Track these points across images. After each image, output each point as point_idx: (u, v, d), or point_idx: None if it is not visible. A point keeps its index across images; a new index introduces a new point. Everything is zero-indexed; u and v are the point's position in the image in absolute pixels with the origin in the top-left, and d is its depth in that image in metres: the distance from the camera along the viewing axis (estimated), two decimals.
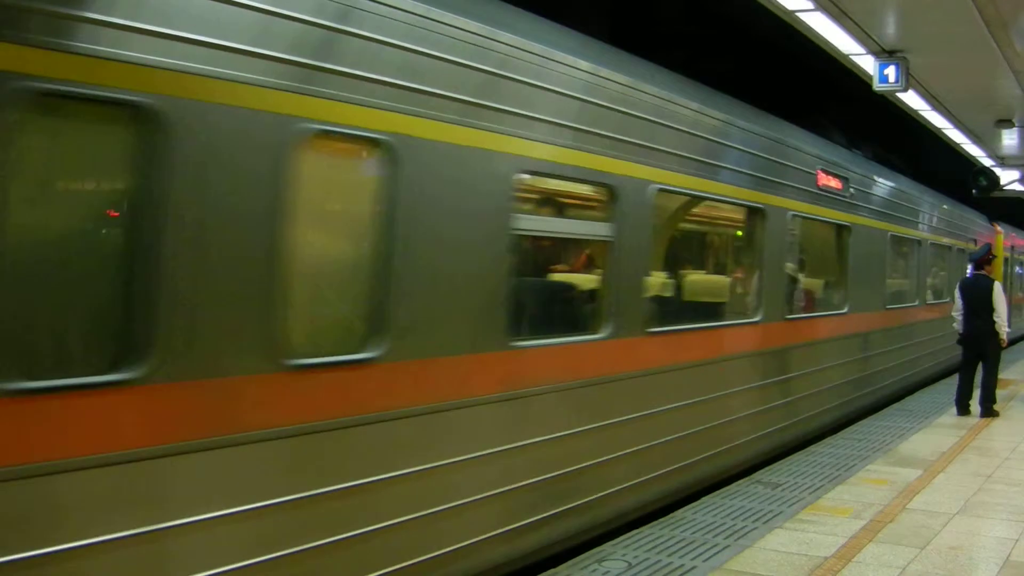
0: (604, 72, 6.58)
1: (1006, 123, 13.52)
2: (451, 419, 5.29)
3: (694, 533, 6.59)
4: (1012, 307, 15.63)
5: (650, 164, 7.05)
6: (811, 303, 11.26)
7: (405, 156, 4.86)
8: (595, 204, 6.92)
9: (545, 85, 5.94)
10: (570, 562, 5.99)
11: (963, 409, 12.05)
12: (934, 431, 11.00)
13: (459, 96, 5.25)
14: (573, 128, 6.22)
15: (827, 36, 9.53)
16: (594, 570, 5.81)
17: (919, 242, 15.64)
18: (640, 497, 7.17)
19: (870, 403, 13.02)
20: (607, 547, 6.26)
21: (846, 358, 11.83)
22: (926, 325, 16.17)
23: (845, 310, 11.80)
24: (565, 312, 7.02)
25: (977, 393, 12.06)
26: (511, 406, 5.77)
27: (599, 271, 6.94)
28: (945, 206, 17.78)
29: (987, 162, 17.60)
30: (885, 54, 9.86)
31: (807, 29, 9.24)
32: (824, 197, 10.72)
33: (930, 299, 16.53)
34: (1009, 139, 15.36)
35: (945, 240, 17.62)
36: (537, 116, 5.86)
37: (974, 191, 16.01)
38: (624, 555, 6.08)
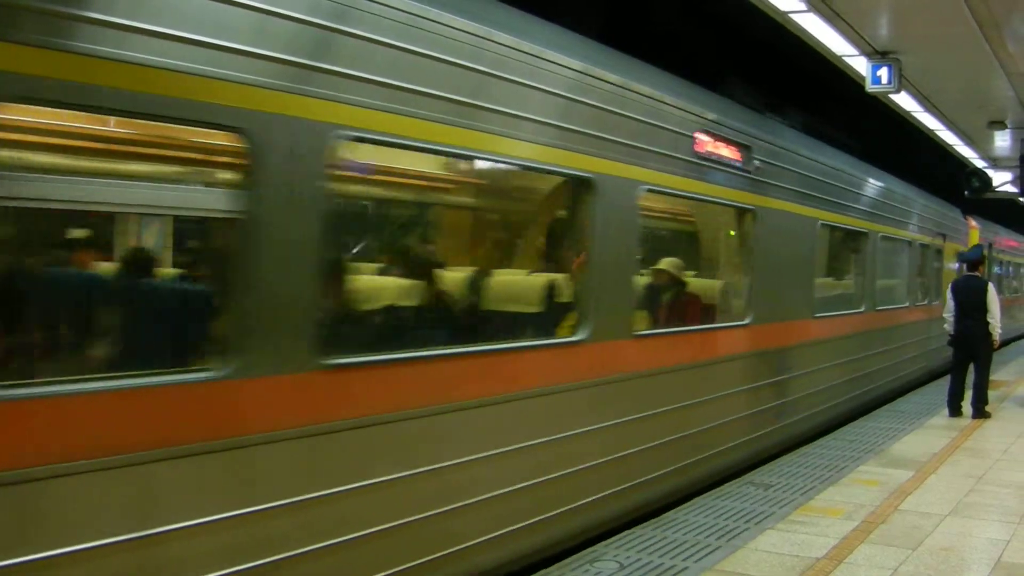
0: None
1: (998, 124, 13.55)
2: None
3: (686, 534, 6.59)
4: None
5: (336, 99, 4.55)
6: (697, 313, 8.62)
7: None
8: (210, 158, 4.62)
9: None
10: (562, 563, 5.99)
11: (955, 410, 12.08)
12: (926, 432, 11.02)
13: None
14: (129, 29, 3.68)
15: (820, 37, 9.54)
16: (586, 571, 5.81)
17: (866, 234, 12.87)
18: None
19: (789, 438, 10.25)
20: (599, 548, 6.26)
21: (743, 385, 8.99)
22: (879, 335, 13.55)
23: (747, 320, 9.05)
24: (118, 333, 4.35)
25: (969, 394, 12.09)
26: None
27: (212, 264, 4.66)
28: (905, 194, 15.23)
29: (979, 163, 17.64)
30: (878, 55, 9.87)
31: (800, 30, 9.25)
32: (708, 169, 8.12)
33: (884, 304, 13.80)
34: (1001, 140, 15.39)
35: (905, 234, 15.00)
36: None
37: (966, 192, 16.08)
38: (616, 556, 6.07)
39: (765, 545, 6.35)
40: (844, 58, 10.22)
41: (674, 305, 8.36)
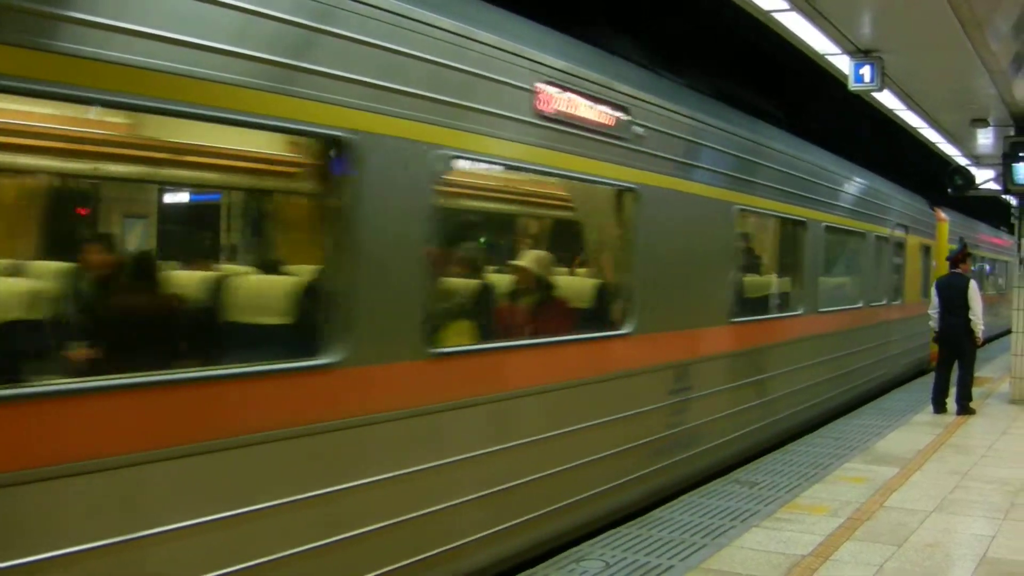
0: None
1: (981, 122, 13.60)
2: None
3: (671, 532, 6.59)
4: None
5: None
6: (561, 321, 6.92)
7: None
8: None
9: None
10: (548, 562, 5.98)
11: (939, 407, 12.15)
12: (911, 429, 11.06)
13: None
14: None
15: (802, 36, 9.55)
16: (572, 570, 5.80)
17: (803, 224, 11.03)
18: None
19: (684, 479, 8.16)
20: (584, 547, 6.26)
21: (612, 414, 6.97)
22: (823, 341, 11.73)
23: (626, 329, 7.16)
24: None
25: (953, 391, 12.15)
26: None
27: None
28: (857, 179, 13.48)
29: (962, 161, 17.69)
30: (860, 54, 9.88)
31: (782, 29, 9.25)
32: (558, 133, 6.25)
33: (830, 306, 12.02)
34: (984, 138, 15.45)
35: (857, 224, 13.25)
36: None
37: (950, 190, 16.13)
38: (602, 555, 6.07)
39: (751, 543, 6.36)
40: (827, 56, 10.23)
41: (528, 312, 6.72)
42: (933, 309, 12.18)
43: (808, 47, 9.90)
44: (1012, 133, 13.30)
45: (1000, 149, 13.86)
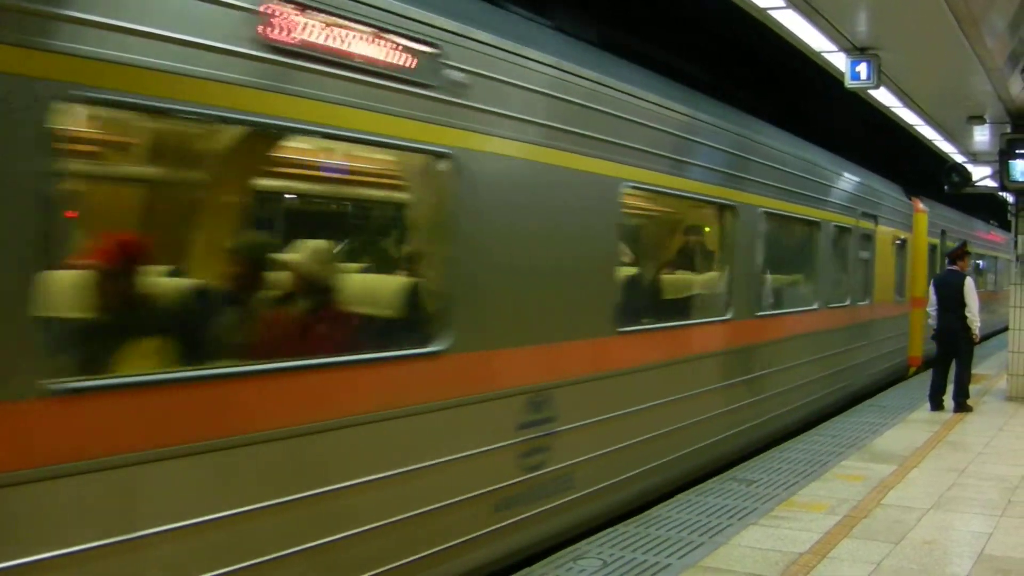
0: None
1: (977, 119, 13.61)
2: None
3: (669, 531, 6.59)
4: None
5: None
6: (332, 335, 5.11)
7: None
8: None
9: None
10: (546, 560, 5.98)
11: (936, 404, 12.17)
12: (908, 427, 11.07)
13: None
14: None
15: (799, 33, 9.55)
16: (570, 568, 5.80)
17: (733, 208, 9.00)
18: None
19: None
20: (582, 545, 6.26)
21: (422, 459, 5.11)
22: (764, 352, 9.81)
23: (440, 347, 5.28)
24: None
25: (950, 388, 12.17)
26: None
27: None
28: (810, 159, 11.52)
29: (959, 158, 17.71)
30: (857, 51, 9.88)
31: (778, 26, 9.25)
32: (311, 75, 4.44)
33: (775, 308, 10.36)
34: (980, 135, 15.47)
35: (810, 212, 11.27)
36: None
37: (946, 187, 16.13)
38: (599, 553, 6.07)
39: (748, 541, 6.36)
40: (823, 54, 10.23)
41: (284, 324, 5.02)
42: (931, 307, 12.22)
43: (804, 44, 9.90)
44: (1008, 130, 13.31)
45: (997, 146, 13.87)
